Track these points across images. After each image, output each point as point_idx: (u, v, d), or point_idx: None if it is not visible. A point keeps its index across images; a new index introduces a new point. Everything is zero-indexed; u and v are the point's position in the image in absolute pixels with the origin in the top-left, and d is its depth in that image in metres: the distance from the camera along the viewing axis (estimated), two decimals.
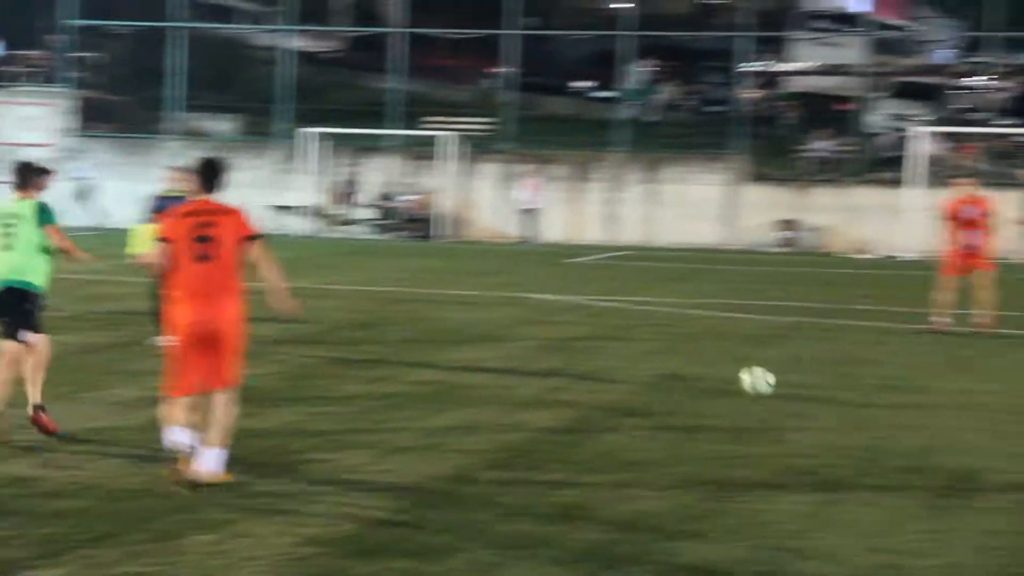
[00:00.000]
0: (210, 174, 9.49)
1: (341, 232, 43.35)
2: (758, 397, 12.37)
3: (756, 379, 13.40)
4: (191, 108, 46.94)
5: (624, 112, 44.59)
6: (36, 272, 10.80)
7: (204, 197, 9.43)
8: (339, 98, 50.51)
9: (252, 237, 9.32)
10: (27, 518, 8.23)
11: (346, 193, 43.92)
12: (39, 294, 10.84)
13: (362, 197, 44.03)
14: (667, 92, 48.57)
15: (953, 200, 19.92)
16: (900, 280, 29.66)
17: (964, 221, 19.54)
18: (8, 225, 10.77)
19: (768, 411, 12.48)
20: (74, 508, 8.49)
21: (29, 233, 10.76)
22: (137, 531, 7.99)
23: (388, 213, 43.72)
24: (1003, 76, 47.44)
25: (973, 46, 57.59)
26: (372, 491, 9.14)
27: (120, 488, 9.03)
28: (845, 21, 54.06)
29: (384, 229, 43.51)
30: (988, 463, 10.41)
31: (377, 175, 44.52)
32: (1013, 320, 19.87)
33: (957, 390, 14.11)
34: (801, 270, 32.50)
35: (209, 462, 9.08)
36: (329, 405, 12.50)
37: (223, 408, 9.23)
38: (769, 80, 47.87)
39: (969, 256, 19.45)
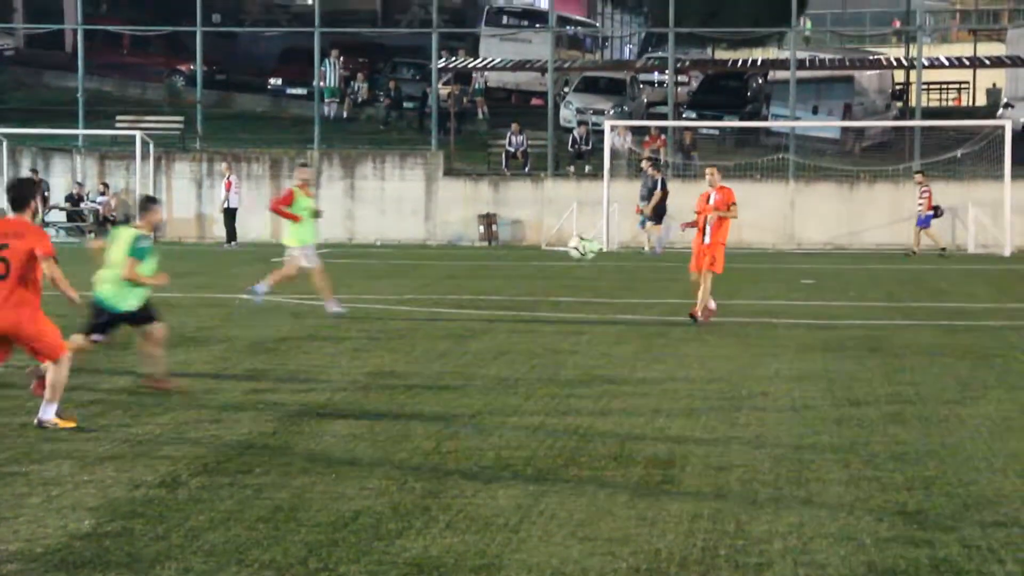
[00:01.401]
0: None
1: None
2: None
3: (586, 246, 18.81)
4: None
5: (320, 109, 44.35)
6: None
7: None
8: (21, 97, 48.82)
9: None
10: None
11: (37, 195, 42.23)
12: None
13: (52, 200, 42.52)
14: (361, 89, 48.56)
15: (706, 191, 19.54)
16: (598, 272, 30.39)
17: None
18: None
19: (478, 405, 12.63)
20: None
21: None
22: None
23: (80, 215, 42.38)
24: (683, 71, 49.15)
25: (654, 42, 59.63)
26: (77, 502, 8.87)
27: None
28: (532, 17, 55.27)
29: (79, 232, 42.18)
30: (686, 448, 10.76)
31: (66, 177, 43.11)
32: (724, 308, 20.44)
33: (654, 378, 14.52)
34: (501, 264, 32.97)
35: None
36: (25, 415, 12.03)
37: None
38: (461, 76, 48.40)
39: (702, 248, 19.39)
